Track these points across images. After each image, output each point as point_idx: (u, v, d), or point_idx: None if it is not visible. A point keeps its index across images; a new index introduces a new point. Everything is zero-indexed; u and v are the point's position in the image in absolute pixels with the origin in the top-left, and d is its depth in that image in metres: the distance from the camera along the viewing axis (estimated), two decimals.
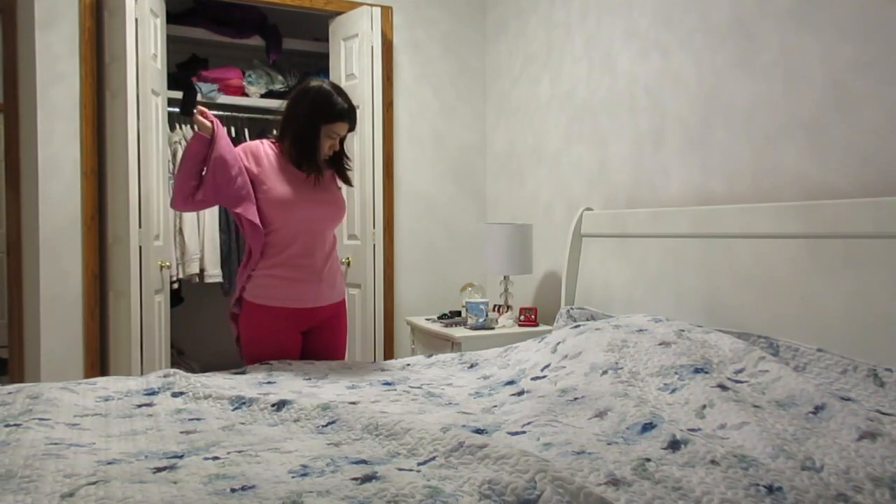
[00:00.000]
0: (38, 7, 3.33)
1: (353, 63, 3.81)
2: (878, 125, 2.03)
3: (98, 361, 3.44)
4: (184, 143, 4.02)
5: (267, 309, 2.45)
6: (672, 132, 2.81)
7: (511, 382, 2.19)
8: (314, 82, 2.47)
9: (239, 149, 2.45)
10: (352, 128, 2.48)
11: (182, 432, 1.68)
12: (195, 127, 2.38)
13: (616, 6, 3.12)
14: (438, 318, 3.59)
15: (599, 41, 3.24)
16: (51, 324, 3.37)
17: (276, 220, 2.42)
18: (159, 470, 1.39)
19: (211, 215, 4.00)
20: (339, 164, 2.55)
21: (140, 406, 1.94)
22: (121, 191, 3.24)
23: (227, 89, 4.17)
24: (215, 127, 2.36)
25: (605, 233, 3.03)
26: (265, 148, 2.49)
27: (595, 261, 3.09)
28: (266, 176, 2.42)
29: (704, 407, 1.74)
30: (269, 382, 2.25)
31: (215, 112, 4.13)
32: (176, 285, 4.00)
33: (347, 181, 2.59)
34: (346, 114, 2.42)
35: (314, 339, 2.59)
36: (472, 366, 2.50)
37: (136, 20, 3.18)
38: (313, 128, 2.41)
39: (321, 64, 4.23)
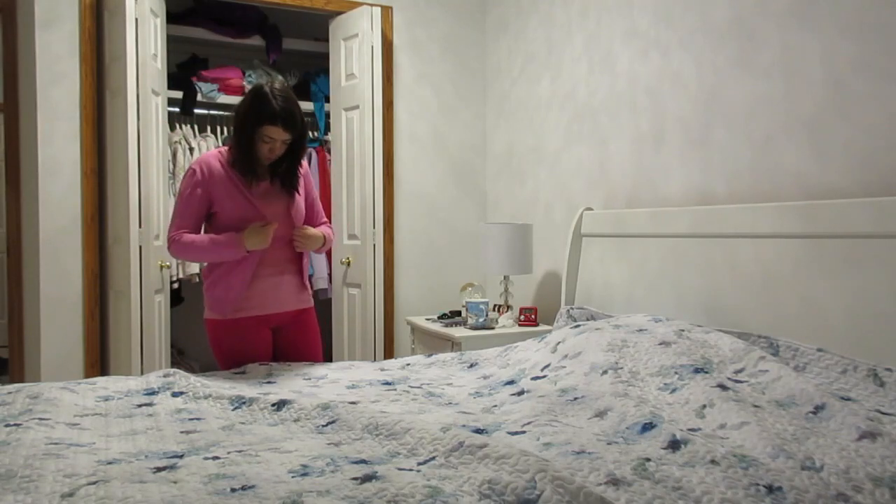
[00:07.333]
0: (38, 7, 3.33)
1: (353, 63, 3.81)
2: (878, 125, 2.03)
3: (98, 361, 3.44)
4: (184, 142, 4.02)
5: (231, 322, 2.46)
6: (672, 132, 2.81)
7: (511, 382, 2.19)
8: (262, 82, 2.40)
9: (196, 168, 2.42)
10: (292, 134, 2.37)
11: (182, 432, 1.68)
12: (247, 244, 2.35)
13: (616, 6, 3.12)
14: (438, 318, 3.59)
15: (599, 41, 3.24)
16: (51, 324, 3.37)
17: (228, 229, 2.41)
18: (159, 470, 1.39)
19: None
20: (287, 170, 2.48)
21: (140, 406, 1.94)
22: (121, 191, 3.24)
23: (227, 89, 4.17)
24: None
25: (605, 233, 3.03)
26: (216, 161, 2.44)
27: (595, 261, 3.09)
28: (219, 191, 2.40)
29: (704, 407, 1.74)
30: (269, 382, 2.25)
31: (215, 112, 4.20)
32: (176, 285, 4.01)
33: (290, 188, 2.50)
34: (279, 117, 2.31)
35: (283, 337, 2.60)
36: (472, 365, 2.50)
37: (136, 20, 3.18)
38: (248, 129, 2.35)
39: (321, 64, 4.24)
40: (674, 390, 1.88)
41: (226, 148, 2.50)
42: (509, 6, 4.00)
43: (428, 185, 4.14)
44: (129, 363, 3.17)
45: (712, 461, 1.40)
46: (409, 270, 4.10)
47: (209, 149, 3.98)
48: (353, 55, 3.80)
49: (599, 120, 3.25)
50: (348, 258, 3.84)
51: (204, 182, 2.39)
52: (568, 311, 3.07)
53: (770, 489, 1.29)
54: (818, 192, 2.21)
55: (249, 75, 4.25)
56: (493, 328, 3.31)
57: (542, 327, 3.39)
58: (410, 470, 1.38)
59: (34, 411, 1.78)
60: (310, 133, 4.31)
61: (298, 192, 2.53)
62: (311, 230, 2.56)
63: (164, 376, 2.17)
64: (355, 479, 1.32)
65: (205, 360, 4.32)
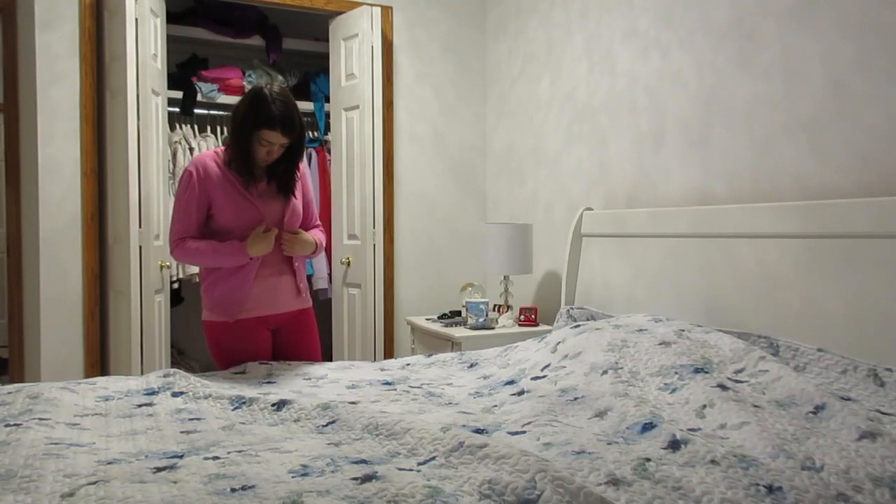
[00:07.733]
0: (38, 7, 3.33)
1: (353, 63, 3.81)
2: (878, 125, 2.03)
3: (98, 361, 3.44)
4: (184, 142, 4.02)
5: (231, 324, 2.46)
6: (672, 132, 2.81)
7: (511, 382, 2.19)
8: (262, 84, 2.40)
9: (192, 169, 2.40)
10: (290, 138, 2.36)
11: (182, 432, 1.69)
12: (250, 251, 2.36)
13: (616, 6, 3.12)
14: (438, 318, 3.59)
15: (599, 41, 3.24)
16: (51, 324, 3.37)
17: (225, 233, 2.42)
18: (159, 470, 1.39)
19: None
20: (284, 172, 2.45)
21: (140, 406, 1.94)
22: (121, 191, 3.24)
23: (227, 89, 4.17)
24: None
25: (605, 233, 3.03)
26: (212, 161, 2.43)
27: (595, 261, 3.09)
28: (217, 192, 2.40)
29: (704, 407, 1.74)
30: (269, 382, 2.25)
31: (215, 112, 4.20)
32: (176, 285, 4.01)
33: (285, 191, 2.48)
34: (277, 121, 2.29)
35: (282, 338, 2.59)
36: (472, 365, 2.50)
37: (136, 20, 3.18)
38: (246, 132, 2.33)
39: (321, 64, 4.24)
40: (674, 390, 1.88)
41: (222, 148, 2.49)
42: (509, 6, 4.00)
43: (428, 185, 4.14)
44: (129, 363, 3.17)
45: (712, 461, 1.40)
46: (409, 270, 4.10)
47: (209, 149, 3.98)
48: (353, 55, 3.81)
49: (599, 120, 3.24)
50: (348, 258, 3.84)
51: (201, 183, 2.39)
52: (568, 311, 3.07)
53: (770, 489, 1.29)
54: (818, 192, 2.21)
55: (249, 75, 4.25)
56: (493, 328, 3.31)
57: (542, 327, 3.39)
58: (410, 470, 1.38)
59: (34, 411, 1.78)
60: (310, 133, 4.32)
61: (295, 196, 2.52)
62: (305, 235, 2.54)
63: (164, 376, 2.16)
64: (355, 479, 1.32)
65: (205, 360, 4.32)
